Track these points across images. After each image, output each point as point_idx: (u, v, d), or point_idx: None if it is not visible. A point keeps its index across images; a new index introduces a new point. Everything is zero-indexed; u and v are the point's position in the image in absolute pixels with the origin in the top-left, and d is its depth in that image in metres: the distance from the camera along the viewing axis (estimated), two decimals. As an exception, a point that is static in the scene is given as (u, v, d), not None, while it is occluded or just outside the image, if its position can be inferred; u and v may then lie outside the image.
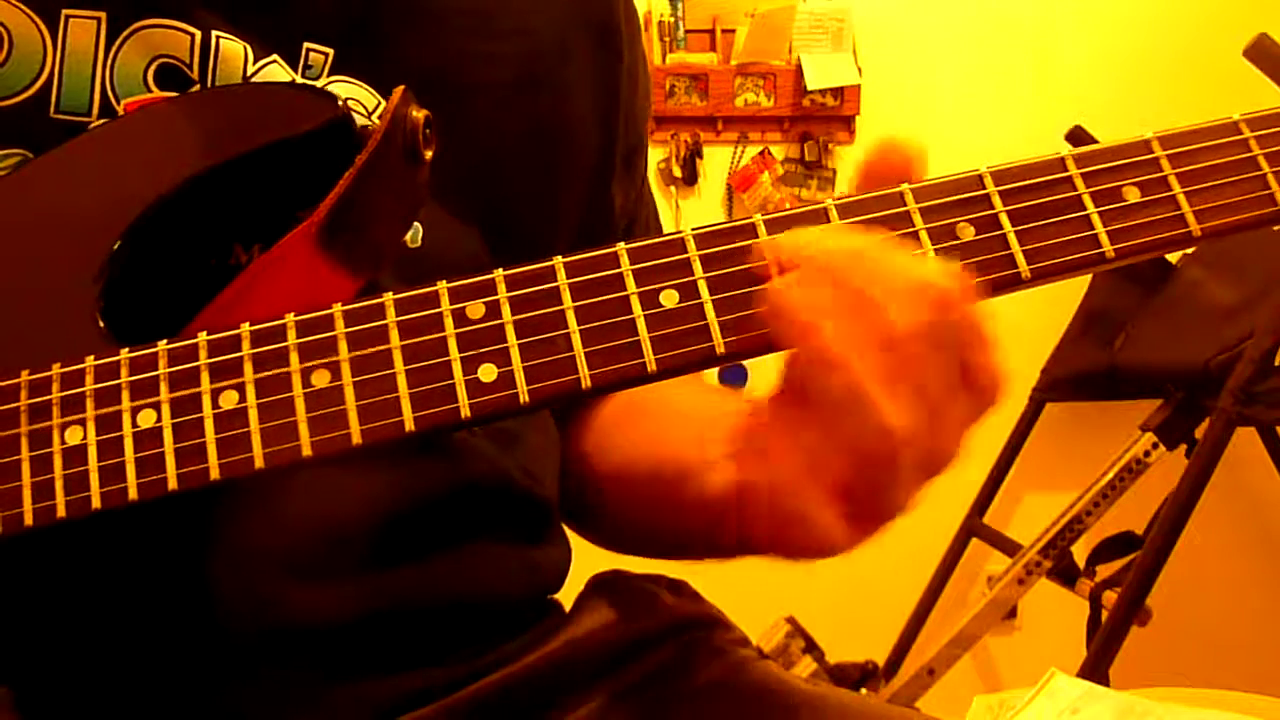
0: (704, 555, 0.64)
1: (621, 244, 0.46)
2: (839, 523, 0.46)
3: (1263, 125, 0.48)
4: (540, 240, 0.49)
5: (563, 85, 0.69)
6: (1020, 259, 0.46)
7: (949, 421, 0.45)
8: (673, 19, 2.44)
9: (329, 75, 0.61)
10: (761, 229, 0.46)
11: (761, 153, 2.48)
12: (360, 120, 0.56)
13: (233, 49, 0.58)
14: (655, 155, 2.41)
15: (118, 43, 0.57)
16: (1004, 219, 0.46)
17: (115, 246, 0.51)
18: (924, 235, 0.46)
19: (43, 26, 0.56)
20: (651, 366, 0.45)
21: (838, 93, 2.44)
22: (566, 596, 0.70)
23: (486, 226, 0.64)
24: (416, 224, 0.61)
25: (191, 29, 0.58)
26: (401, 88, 0.52)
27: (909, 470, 0.45)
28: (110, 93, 0.57)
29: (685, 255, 0.46)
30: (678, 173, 2.45)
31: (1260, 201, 0.47)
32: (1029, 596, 2.14)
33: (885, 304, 0.43)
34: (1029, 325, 2.40)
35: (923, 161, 0.48)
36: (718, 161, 2.48)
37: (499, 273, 0.46)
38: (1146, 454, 2.01)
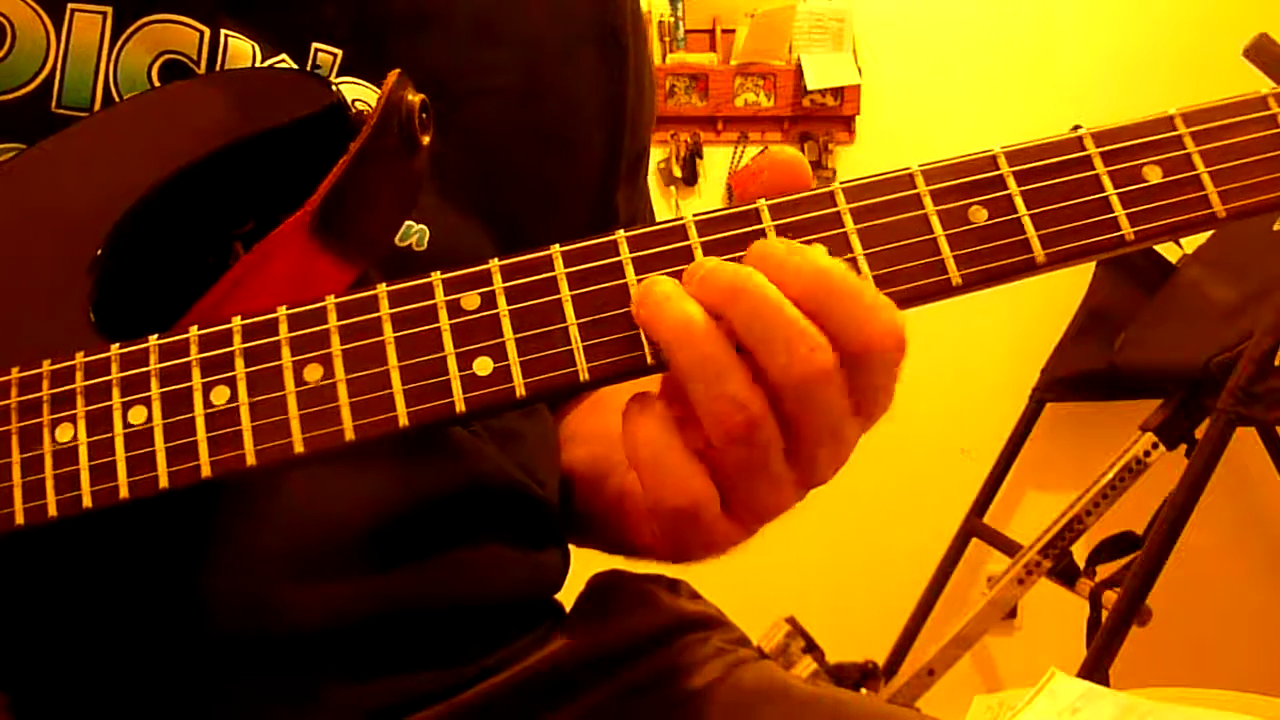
0: (635, 557, 0.64)
1: (621, 231, 0.46)
2: (722, 521, 0.46)
3: None
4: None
5: (567, 93, 0.69)
6: (1035, 243, 0.45)
7: (840, 439, 0.45)
8: (673, 19, 2.44)
9: (337, 76, 0.60)
10: (765, 214, 0.45)
11: (761, 152, 2.47)
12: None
13: (241, 47, 0.58)
14: (655, 155, 2.41)
15: (123, 38, 0.56)
16: (1018, 201, 0.45)
17: (107, 239, 0.50)
18: (934, 219, 0.45)
19: (47, 20, 0.55)
20: (650, 359, 0.44)
21: (838, 93, 2.44)
22: (567, 596, 0.70)
23: (492, 230, 0.64)
24: (423, 226, 0.61)
25: (200, 26, 0.57)
26: (396, 72, 0.51)
27: (784, 477, 0.46)
28: (114, 89, 0.56)
29: (686, 242, 0.45)
30: (678, 173, 2.45)
31: None
32: (1029, 596, 2.13)
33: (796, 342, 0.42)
34: (1029, 325, 2.40)
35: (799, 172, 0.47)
36: (718, 161, 2.48)
37: (495, 263, 0.46)
38: (1146, 454, 2.01)
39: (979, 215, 0.45)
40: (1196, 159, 0.45)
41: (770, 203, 0.45)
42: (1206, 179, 0.45)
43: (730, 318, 0.43)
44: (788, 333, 0.42)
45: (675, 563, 0.57)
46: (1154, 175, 0.46)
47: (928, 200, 0.45)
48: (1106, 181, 0.45)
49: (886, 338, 0.43)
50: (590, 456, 0.64)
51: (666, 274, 0.45)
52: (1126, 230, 0.45)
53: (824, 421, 0.44)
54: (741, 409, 0.43)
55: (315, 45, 0.60)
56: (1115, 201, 0.45)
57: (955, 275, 0.45)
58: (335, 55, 0.60)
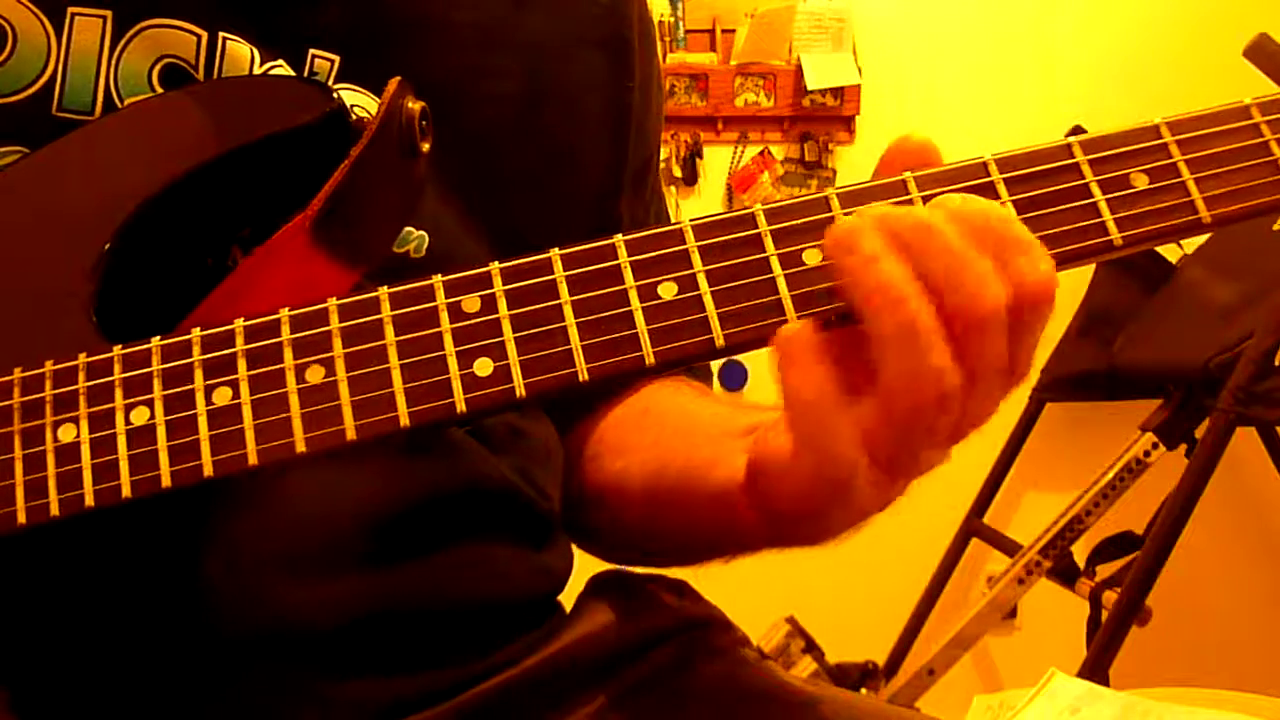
0: (708, 555, 0.63)
1: (619, 236, 0.46)
2: (871, 472, 0.44)
3: (1275, 109, 0.47)
4: None
5: (570, 100, 0.68)
6: None
7: (991, 392, 0.44)
8: (673, 19, 2.44)
9: (334, 82, 0.60)
10: (761, 219, 0.46)
11: (761, 153, 2.47)
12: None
13: (239, 51, 0.58)
14: (655, 155, 2.41)
15: (123, 42, 0.56)
16: (1009, 208, 0.45)
17: (108, 243, 0.51)
18: None
19: (48, 24, 0.56)
20: (650, 360, 0.45)
21: (838, 93, 2.44)
22: (567, 597, 0.70)
23: (491, 237, 0.64)
24: (422, 233, 0.61)
25: (198, 30, 0.57)
26: (397, 79, 0.51)
27: (945, 433, 0.44)
28: (114, 92, 0.56)
29: (684, 247, 0.46)
30: (678, 173, 2.45)
31: (1272, 187, 0.46)
32: (1029, 596, 2.13)
33: (978, 287, 0.42)
34: (1029, 325, 2.40)
35: (935, 153, 0.46)
36: (718, 161, 2.48)
37: (495, 266, 0.46)
38: (1146, 454, 2.00)
39: None
40: (1182, 166, 0.46)
41: (766, 207, 0.46)
42: (1192, 185, 0.46)
43: (924, 268, 0.42)
44: (975, 270, 0.41)
45: (782, 545, 0.55)
46: (1141, 182, 0.46)
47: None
48: (1095, 188, 0.46)
49: (1047, 285, 0.43)
50: (679, 456, 0.60)
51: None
52: (1114, 235, 0.45)
53: (988, 373, 0.43)
54: (939, 382, 0.41)
55: (312, 51, 0.60)
56: (1104, 207, 0.46)
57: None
58: (332, 61, 0.60)
